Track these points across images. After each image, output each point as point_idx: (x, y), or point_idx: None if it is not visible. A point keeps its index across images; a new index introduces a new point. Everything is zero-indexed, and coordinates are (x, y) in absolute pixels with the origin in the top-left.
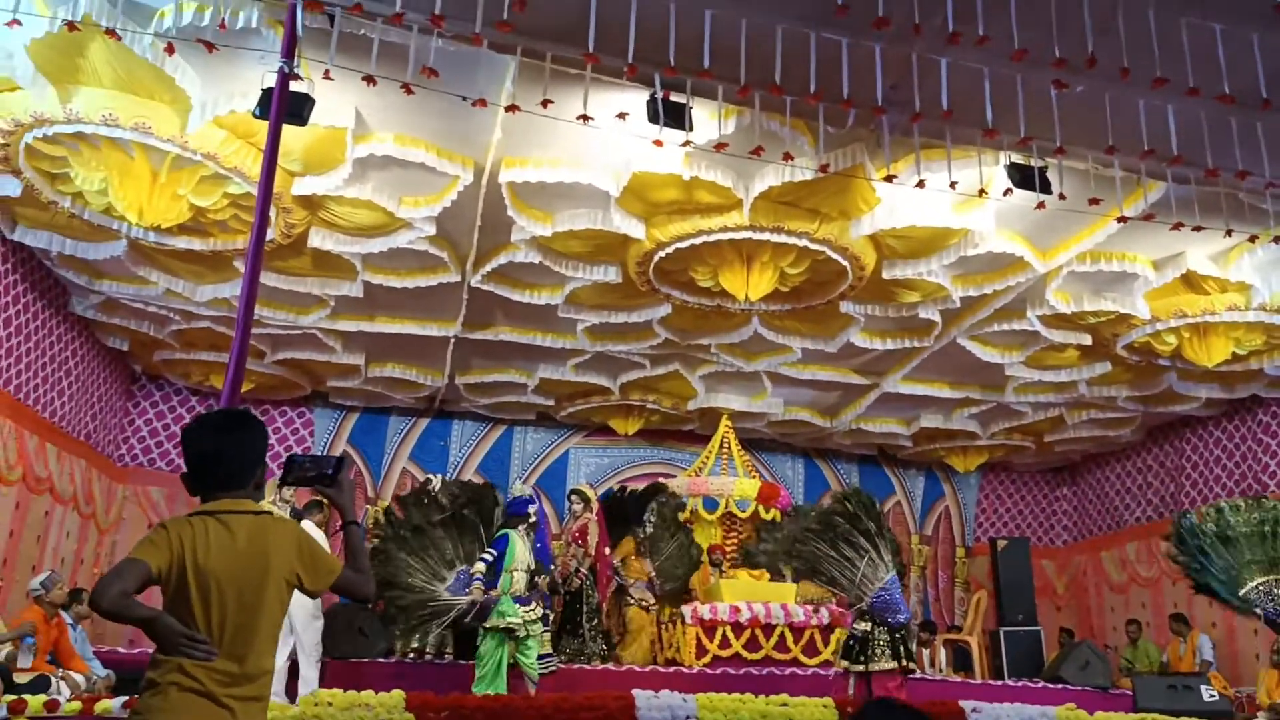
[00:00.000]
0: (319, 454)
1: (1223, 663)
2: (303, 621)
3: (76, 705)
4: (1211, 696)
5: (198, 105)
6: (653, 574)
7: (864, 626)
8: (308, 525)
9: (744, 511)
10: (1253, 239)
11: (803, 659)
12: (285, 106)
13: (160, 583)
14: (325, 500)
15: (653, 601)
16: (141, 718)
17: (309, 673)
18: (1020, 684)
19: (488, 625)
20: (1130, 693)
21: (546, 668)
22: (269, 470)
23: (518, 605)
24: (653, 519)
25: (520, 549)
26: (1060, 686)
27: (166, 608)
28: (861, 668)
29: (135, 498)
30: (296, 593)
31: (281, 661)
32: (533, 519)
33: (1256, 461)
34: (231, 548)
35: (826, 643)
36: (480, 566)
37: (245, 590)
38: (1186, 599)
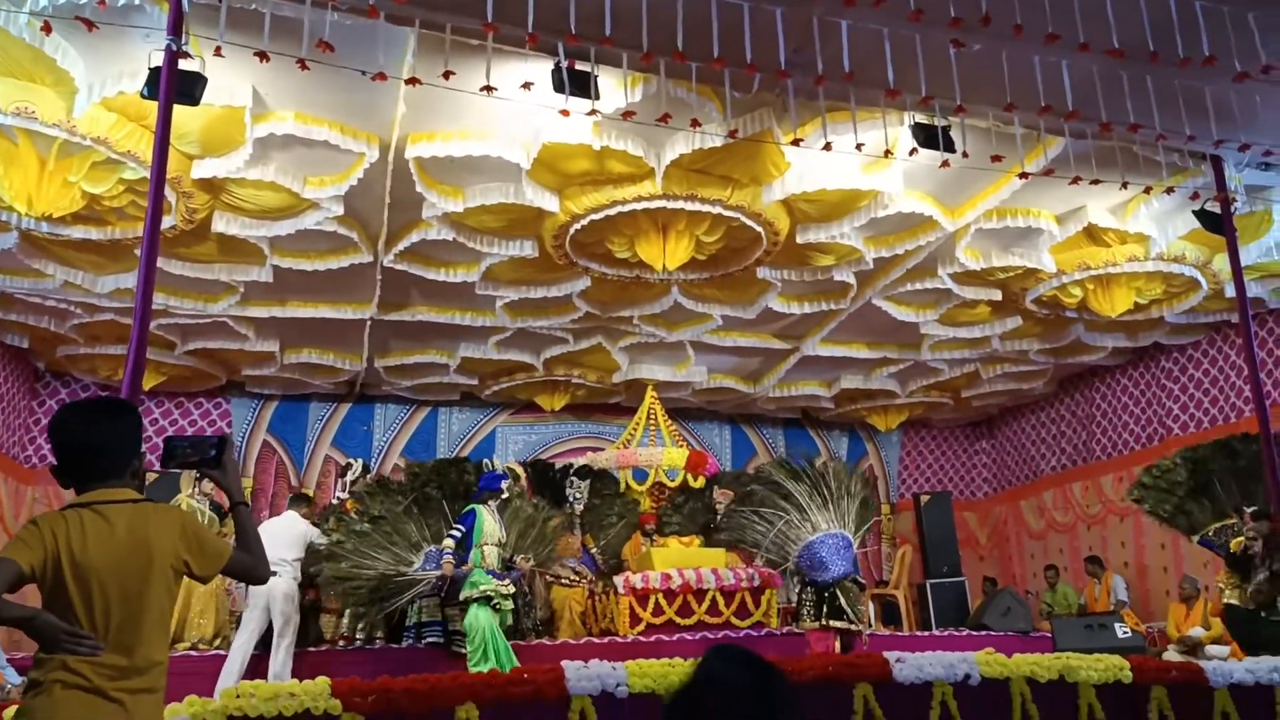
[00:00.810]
0: (199, 436)
1: (1135, 601)
2: (285, 613)
3: None
4: (1125, 633)
5: (84, 87)
6: (593, 549)
7: (796, 588)
8: (291, 516)
9: (673, 481)
10: (1147, 190)
11: (735, 621)
12: (175, 86)
13: (36, 581)
14: (308, 495)
15: (587, 577)
16: (26, 718)
17: (282, 669)
18: (947, 634)
19: (462, 597)
20: (1050, 634)
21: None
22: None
23: (491, 577)
24: (580, 496)
25: (490, 523)
26: (984, 634)
27: (45, 605)
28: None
29: (46, 499)
30: (280, 582)
31: (245, 656)
32: (505, 494)
33: (1161, 407)
34: (110, 539)
35: (758, 604)
36: (449, 543)
37: (128, 581)
38: (1100, 542)
